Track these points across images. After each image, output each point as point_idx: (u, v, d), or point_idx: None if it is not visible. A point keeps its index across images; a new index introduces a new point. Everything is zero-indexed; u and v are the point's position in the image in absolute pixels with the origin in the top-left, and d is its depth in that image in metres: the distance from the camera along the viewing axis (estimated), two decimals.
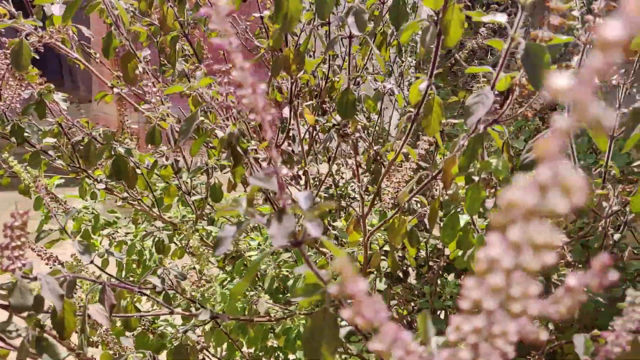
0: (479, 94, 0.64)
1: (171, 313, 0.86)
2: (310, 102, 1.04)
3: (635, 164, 0.77)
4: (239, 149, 0.75)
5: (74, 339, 0.79)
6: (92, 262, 0.78)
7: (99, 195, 1.35)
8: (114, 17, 0.85)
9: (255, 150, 0.97)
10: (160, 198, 1.27)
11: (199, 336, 0.93)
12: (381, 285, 1.16)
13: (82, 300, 0.90)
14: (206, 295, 1.06)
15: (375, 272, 1.25)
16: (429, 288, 1.26)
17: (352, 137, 0.90)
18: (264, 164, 0.96)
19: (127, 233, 1.31)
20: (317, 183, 1.39)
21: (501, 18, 0.62)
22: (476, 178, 0.74)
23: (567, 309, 0.28)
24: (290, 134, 1.26)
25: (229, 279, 1.30)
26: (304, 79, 0.93)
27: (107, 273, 0.85)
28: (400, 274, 1.46)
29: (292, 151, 1.31)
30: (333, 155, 1.02)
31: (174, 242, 1.38)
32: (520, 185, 0.18)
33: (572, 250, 1.10)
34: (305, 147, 1.28)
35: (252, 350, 1.26)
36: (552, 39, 0.61)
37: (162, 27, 1.01)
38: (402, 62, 1.54)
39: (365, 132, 1.38)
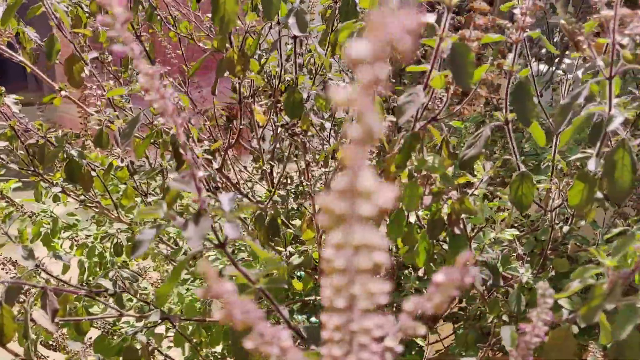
0: (411, 93, 0.66)
1: (120, 315, 0.86)
2: (265, 101, 1.05)
3: (572, 157, 0.79)
4: (181, 150, 0.75)
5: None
6: (38, 266, 0.78)
7: (60, 198, 1.35)
8: (56, 20, 0.85)
9: (208, 151, 0.97)
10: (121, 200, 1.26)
11: (153, 335, 0.93)
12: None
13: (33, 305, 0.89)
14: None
15: None
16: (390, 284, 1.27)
17: (300, 136, 0.91)
18: (215, 165, 0.97)
19: (88, 235, 1.30)
20: (285, 181, 1.40)
21: (430, 19, 0.64)
22: (417, 175, 0.75)
23: (437, 304, 0.29)
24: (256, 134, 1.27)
25: (192, 278, 1.30)
26: (250, 77, 0.93)
27: (55, 277, 0.84)
28: None
29: (263, 150, 1.32)
30: (287, 154, 1.03)
31: None
32: (333, 190, 0.19)
33: (525, 243, 1.13)
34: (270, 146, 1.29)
35: (218, 349, 1.26)
36: (480, 38, 0.63)
37: None
38: None
39: (326, 130, 1.39)
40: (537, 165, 1.42)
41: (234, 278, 0.57)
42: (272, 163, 1.18)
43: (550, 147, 1.47)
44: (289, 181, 1.43)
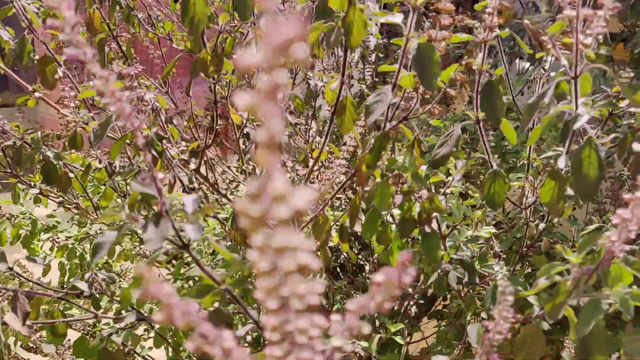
0: (379, 93, 0.66)
1: (95, 317, 0.86)
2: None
3: (543, 155, 0.80)
4: (153, 151, 0.76)
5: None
6: (10, 269, 0.78)
7: (41, 199, 1.34)
8: (27, 21, 0.85)
9: (183, 151, 0.97)
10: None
11: (132, 336, 0.93)
12: (321, 280, 1.18)
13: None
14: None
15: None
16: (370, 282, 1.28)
17: None
18: (192, 165, 0.97)
19: (68, 237, 1.30)
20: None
21: (397, 19, 0.64)
22: (389, 174, 0.76)
23: (378, 303, 0.30)
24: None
25: (172, 279, 1.30)
26: (225, 77, 0.94)
27: (30, 280, 0.84)
28: (356, 269, 1.49)
29: (243, 150, 1.31)
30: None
31: (120, 245, 1.37)
32: (247, 194, 0.19)
33: (503, 240, 1.13)
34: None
35: None
36: (447, 38, 0.63)
37: (89, 29, 1.00)
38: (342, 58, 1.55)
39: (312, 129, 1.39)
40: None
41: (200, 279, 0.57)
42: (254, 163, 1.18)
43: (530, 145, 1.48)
44: None
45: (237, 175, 1.56)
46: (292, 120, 0.94)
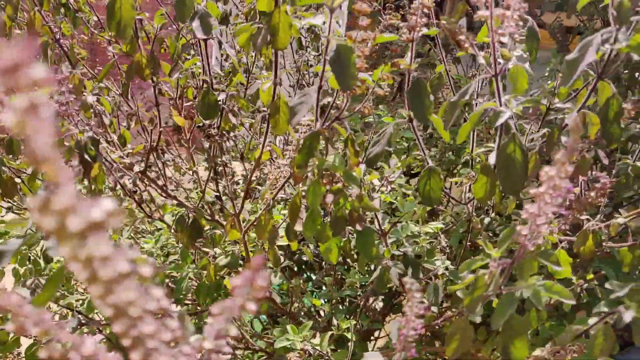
0: (304, 94, 0.67)
1: None
2: (190, 102, 1.05)
3: (478, 150, 0.81)
4: (86, 156, 0.75)
5: None
6: None
7: None
8: None
9: (128, 154, 0.97)
10: None
11: None
12: (276, 280, 1.18)
13: None
14: (92, 302, 1.06)
15: (273, 267, 1.27)
16: (329, 279, 1.29)
17: (216, 137, 0.91)
18: (136, 168, 0.97)
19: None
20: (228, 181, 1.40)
21: (318, 20, 0.65)
22: (323, 173, 0.76)
23: (240, 305, 0.31)
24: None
25: None
26: (164, 80, 0.94)
27: None
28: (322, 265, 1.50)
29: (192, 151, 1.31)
30: (212, 155, 1.03)
31: None
32: (34, 208, 0.20)
33: (452, 235, 1.15)
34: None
35: None
36: (367, 39, 0.64)
37: (30, 32, 0.99)
38: (299, 57, 1.56)
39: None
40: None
41: None
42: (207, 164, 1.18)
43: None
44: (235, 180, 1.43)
45: (199, 177, 1.56)
46: (236, 122, 0.94)
